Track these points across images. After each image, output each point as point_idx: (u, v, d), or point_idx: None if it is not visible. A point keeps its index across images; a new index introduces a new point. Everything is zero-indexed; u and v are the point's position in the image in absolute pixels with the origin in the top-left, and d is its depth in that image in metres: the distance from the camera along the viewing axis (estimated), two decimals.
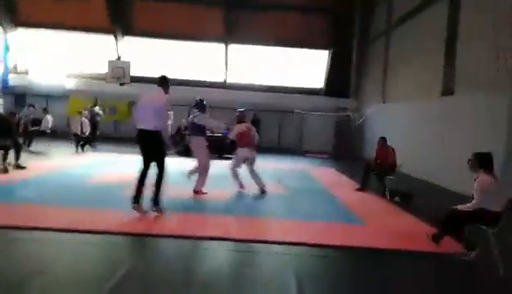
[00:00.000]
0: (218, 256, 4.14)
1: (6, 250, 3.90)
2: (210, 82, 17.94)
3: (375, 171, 8.12)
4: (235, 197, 6.86)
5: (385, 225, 5.57)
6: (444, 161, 9.34)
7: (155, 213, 5.20)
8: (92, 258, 3.85)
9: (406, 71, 12.59)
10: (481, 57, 8.53)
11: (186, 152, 12.45)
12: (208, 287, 3.31)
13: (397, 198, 7.14)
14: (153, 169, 5.30)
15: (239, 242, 4.44)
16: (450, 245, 4.50)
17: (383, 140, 8.25)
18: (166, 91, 5.56)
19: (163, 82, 5.60)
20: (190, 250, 4.21)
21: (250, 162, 7.32)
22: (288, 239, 4.58)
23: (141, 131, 5.22)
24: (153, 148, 5.27)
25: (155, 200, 5.23)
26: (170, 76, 17.25)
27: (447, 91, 9.82)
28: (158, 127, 5.21)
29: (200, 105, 7.04)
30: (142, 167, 5.29)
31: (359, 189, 8.08)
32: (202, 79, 18.17)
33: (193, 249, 4.24)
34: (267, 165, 11.65)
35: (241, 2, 16.89)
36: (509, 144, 7.43)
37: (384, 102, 14.50)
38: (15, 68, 17.56)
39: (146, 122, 5.18)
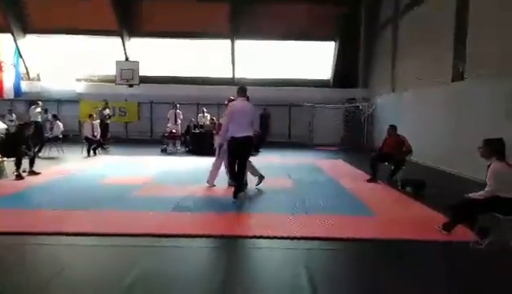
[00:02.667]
0: (228, 253, 4.16)
1: (24, 255, 3.98)
2: (218, 79, 17.95)
3: (383, 160, 8.05)
4: (244, 193, 6.84)
5: (397, 216, 5.51)
6: (456, 147, 9.20)
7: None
8: (107, 260, 3.90)
9: (415, 58, 12.39)
10: (492, 40, 8.34)
11: (195, 151, 12.56)
12: (220, 283, 3.33)
13: (409, 189, 7.05)
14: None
15: (248, 239, 4.46)
16: (463, 233, 4.44)
17: (392, 128, 8.14)
18: (248, 99, 6.44)
19: (245, 91, 6.41)
20: (202, 248, 4.25)
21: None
22: (298, 234, 4.57)
23: (242, 138, 6.07)
24: (247, 151, 6.31)
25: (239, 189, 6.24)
26: (178, 74, 17.34)
27: (458, 76, 9.64)
28: (251, 133, 6.23)
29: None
30: (231, 167, 6.36)
31: (369, 180, 8.01)
32: (210, 76, 18.19)
33: (203, 247, 4.27)
34: (276, 159, 11.68)
35: None
36: None
37: (393, 91, 14.32)
38: (26, 74, 17.86)
39: (245, 130, 6.08)
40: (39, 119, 13.03)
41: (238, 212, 5.63)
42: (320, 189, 7.36)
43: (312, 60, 18.59)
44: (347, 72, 17.75)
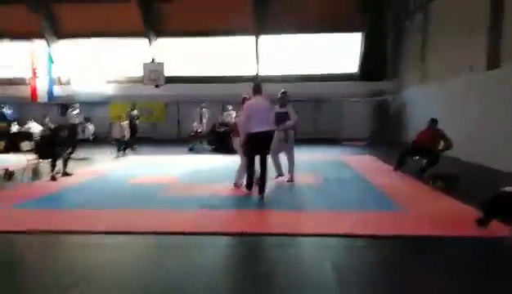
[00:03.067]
0: (255, 251, 4.17)
1: (59, 254, 4.15)
2: (243, 77, 17.98)
3: (415, 154, 7.88)
4: (268, 190, 6.79)
5: (428, 211, 5.34)
6: (491, 139, 8.80)
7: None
8: (136, 258, 3.99)
9: (446, 47, 11.91)
10: None
11: (219, 149, 12.64)
12: (247, 280, 3.34)
13: (439, 184, 6.79)
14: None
15: (274, 236, 4.45)
16: (498, 229, 4.25)
17: (433, 121, 7.88)
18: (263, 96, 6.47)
19: (260, 88, 6.47)
20: (229, 246, 4.28)
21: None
22: (325, 231, 4.52)
23: (262, 132, 6.12)
24: (267, 145, 6.34)
25: (263, 188, 6.24)
26: (203, 74, 17.45)
27: (493, 64, 9.21)
28: (271, 128, 6.33)
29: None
30: (249, 163, 6.35)
31: (395, 169, 7.99)
32: (234, 74, 18.24)
33: (230, 245, 4.29)
34: (303, 156, 11.58)
35: None
36: None
37: (423, 82, 13.86)
38: (58, 79, 18.55)
39: (264, 126, 6.14)
40: (77, 121, 13.51)
41: (263, 210, 5.63)
42: (347, 185, 7.26)
43: (339, 53, 18.25)
44: (374, 64, 17.32)
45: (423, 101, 13.37)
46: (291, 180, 7.46)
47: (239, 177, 7.04)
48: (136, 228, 4.75)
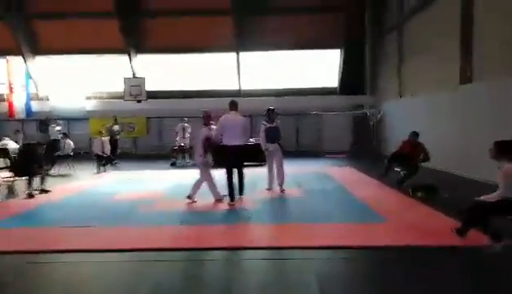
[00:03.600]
0: (238, 264, 4.14)
1: (36, 274, 4.01)
2: (225, 91, 18.03)
3: (397, 163, 8.09)
4: (253, 203, 6.83)
5: (408, 222, 5.44)
6: (466, 150, 9.08)
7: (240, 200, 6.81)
8: (118, 275, 3.90)
9: (421, 63, 12.32)
10: (498, 41, 8.28)
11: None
12: None
13: (420, 194, 6.94)
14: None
15: (258, 250, 4.43)
16: (476, 238, 4.35)
17: (414, 134, 8.07)
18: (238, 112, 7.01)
19: (236, 105, 7.05)
20: (212, 261, 4.23)
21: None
22: (308, 243, 4.55)
23: (234, 146, 6.68)
24: (241, 157, 6.92)
25: (241, 191, 6.96)
26: (185, 88, 17.50)
27: (465, 79, 9.55)
28: (245, 142, 6.90)
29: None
30: (227, 174, 6.75)
31: (381, 177, 8.23)
32: (217, 89, 18.28)
33: (212, 260, 4.25)
34: (285, 169, 11.63)
35: (249, 9, 16.93)
36: None
37: (400, 96, 14.24)
38: (36, 94, 18.19)
39: (237, 140, 6.69)
40: (58, 137, 13.30)
41: (247, 224, 5.62)
42: (329, 197, 7.32)
43: (318, 68, 18.58)
44: (353, 79, 17.69)
45: (400, 115, 13.71)
46: (283, 190, 7.81)
47: (193, 191, 7.04)
48: (117, 245, 4.65)
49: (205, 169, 7.06)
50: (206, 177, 7.07)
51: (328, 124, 17.20)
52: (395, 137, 8.47)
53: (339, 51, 17.92)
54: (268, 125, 7.87)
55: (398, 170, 8.22)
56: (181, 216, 6.07)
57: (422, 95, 12.09)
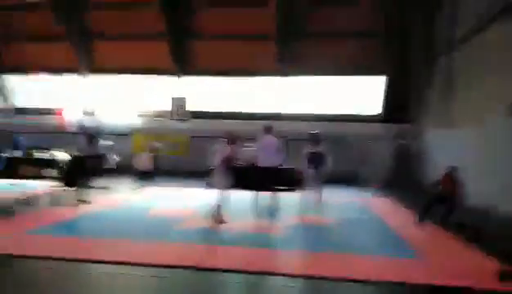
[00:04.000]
0: (264, 290, 4.04)
1: (66, 282, 4.15)
2: (266, 114, 18.18)
3: (442, 202, 7.53)
4: (283, 229, 6.69)
5: (446, 260, 5.11)
6: None
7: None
8: (145, 290, 3.94)
9: (473, 92, 11.72)
10: None
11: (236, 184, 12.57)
12: None
13: (464, 233, 6.46)
14: None
15: (287, 277, 4.32)
16: None
17: (453, 169, 7.60)
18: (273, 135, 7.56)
19: (271, 129, 7.66)
20: (239, 283, 4.17)
21: None
22: (337, 274, 4.37)
23: (267, 167, 7.20)
24: (274, 179, 7.33)
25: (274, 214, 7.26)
26: (227, 110, 17.83)
27: None
28: (278, 163, 7.38)
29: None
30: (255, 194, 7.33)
31: (418, 222, 7.45)
32: (258, 112, 18.48)
33: (239, 282, 4.19)
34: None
35: (293, 35, 17.15)
36: None
37: (447, 127, 13.58)
38: (88, 110, 19.31)
39: (270, 160, 7.21)
40: (105, 151, 13.96)
41: (275, 249, 5.51)
42: (364, 228, 7.07)
43: (363, 94, 18.29)
44: (398, 107, 17.21)
45: (445, 146, 13.04)
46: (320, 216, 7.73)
47: (217, 213, 6.96)
48: (147, 260, 4.72)
49: (221, 188, 6.98)
50: (219, 193, 6.99)
51: (368, 152, 16.74)
52: (436, 169, 8.01)
53: (384, 77, 17.59)
54: (311, 150, 7.73)
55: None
56: (213, 235, 6.08)
57: (471, 127, 11.46)
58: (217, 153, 7.12)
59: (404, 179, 15.22)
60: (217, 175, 7.03)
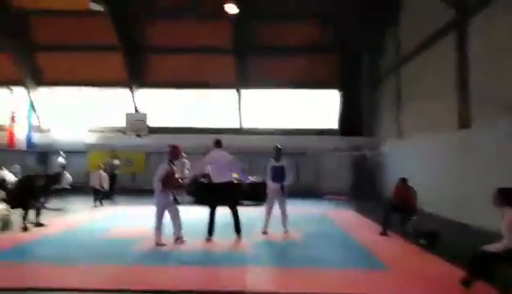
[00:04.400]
0: None
1: None
2: (226, 129, 18.19)
3: (397, 211, 7.84)
4: (249, 246, 6.65)
5: (411, 270, 5.29)
6: (468, 197, 8.97)
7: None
8: None
9: (419, 105, 12.48)
10: (495, 84, 8.43)
11: (201, 201, 12.37)
12: None
13: (422, 241, 6.78)
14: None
15: None
16: (484, 290, 4.20)
17: (403, 181, 8.04)
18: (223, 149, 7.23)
19: (220, 143, 7.27)
20: None
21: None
22: (305, 290, 4.38)
23: (223, 183, 6.87)
24: (232, 194, 7.11)
25: (238, 230, 7.00)
26: (186, 125, 17.61)
27: (464, 123, 9.65)
28: (231, 179, 7.05)
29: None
30: (210, 210, 6.88)
31: (382, 234, 7.69)
32: (217, 126, 18.44)
33: None
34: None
35: (251, 49, 17.42)
36: None
37: (399, 138, 14.32)
38: (38, 126, 18.29)
39: (225, 176, 6.90)
40: (60, 170, 13.29)
41: (241, 266, 5.43)
42: (329, 241, 7.17)
43: (319, 108, 18.85)
44: (353, 120, 17.91)
45: (400, 156, 13.72)
46: (286, 231, 7.70)
47: (177, 231, 6.74)
48: (108, 285, 4.49)
49: (162, 206, 6.63)
50: (158, 214, 6.60)
51: (327, 165, 17.18)
52: (395, 179, 8.38)
53: (337, 91, 18.27)
54: (274, 164, 7.80)
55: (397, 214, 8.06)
56: (174, 256, 5.89)
57: (420, 138, 12.16)
58: (158, 171, 6.68)
59: (364, 190, 15.74)
60: (157, 195, 6.60)
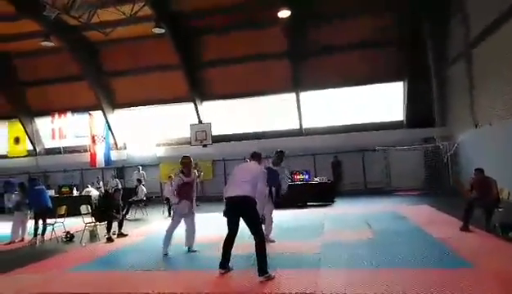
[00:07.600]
0: None
1: None
2: (287, 131, 18.21)
3: (479, 205, 7.25)
4: (314, 247, 6.54)
5: (499, 267, 4.84)
6: None
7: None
8: None
9: (496, 88, 11.42)
10: None
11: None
12: None
13: (511, 234, 6.21)
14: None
15: None
16: None
17: (480, 171, 7.42)
18: (259, 163, 5.93)
19: (258, 156, 5.98)
20: None
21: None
22: (382, 292, 4.21)
23: (234, 197, 5.31)
24: (244, 210, 5.28)
25: (260, 268, 4.99)
26: (248, 131, 17.86)
27: None
28: (248, 193, 5.23)
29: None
30: (226, 236, 5.42)
31: (463, 229, 7.17)
32: (279, 129, 18.51)
33: None
34: (352, 209, 11.18)
35: (306, 51, 17.25)
36: None
37: (476, 126, 13.20)
38: (114, 144, 19.87)
39: (236, 190, 5.32)
40: (136, 183, 14.26)
41: (316, 268, 5.37)
42: (405, 240, 6.82)
43: (382, 102, 18.04)
44: (421, 111, 16.89)
45: (477, 145, 12.66)
46: (272, 241, 7.03)
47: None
48: (187, 290, 4.71)
49: (179, 215, 6.82)
50: (170, 226, 6.84)
51: (396, 159, 16.42)
52: (472, 171, 7.75)
53: (401, 83, 17.38)
54: (272, 167, 7.14)
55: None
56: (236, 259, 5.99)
57: (501, 123, 11.11)
58: (173, 184, 6.84)
59: (439, 183, 14.77)
60: (173, 206, 6.89)
